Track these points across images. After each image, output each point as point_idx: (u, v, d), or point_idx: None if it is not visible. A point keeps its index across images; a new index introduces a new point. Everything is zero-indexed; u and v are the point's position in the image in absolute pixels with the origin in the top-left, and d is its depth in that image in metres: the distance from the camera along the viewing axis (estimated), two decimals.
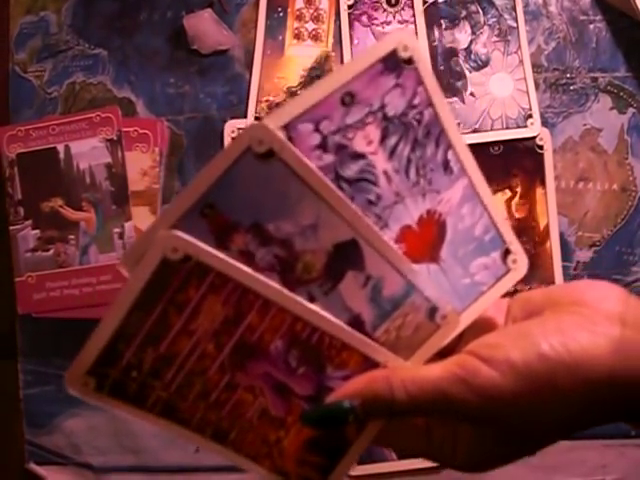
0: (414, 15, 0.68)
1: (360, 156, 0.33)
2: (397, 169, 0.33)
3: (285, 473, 0.34)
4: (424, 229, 0.34)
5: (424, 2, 0.68)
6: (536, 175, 0.67)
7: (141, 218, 0.67)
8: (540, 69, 0.68)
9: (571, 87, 0.68)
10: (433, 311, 0.34)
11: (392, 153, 0.33)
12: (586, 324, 0.31)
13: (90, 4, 0.69)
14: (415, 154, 0.34)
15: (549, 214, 0.66)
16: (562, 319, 0.31)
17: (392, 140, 0.33)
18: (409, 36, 0.33)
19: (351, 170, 0.32)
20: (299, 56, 0.68)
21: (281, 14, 0.68)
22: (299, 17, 0.69)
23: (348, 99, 0.32)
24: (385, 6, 0.68)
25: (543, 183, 0.67)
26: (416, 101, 0.33)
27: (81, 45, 0.69)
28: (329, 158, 0.32)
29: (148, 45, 0.69)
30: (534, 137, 0.67)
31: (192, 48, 0.68)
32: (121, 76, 0.68)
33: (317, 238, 0.31)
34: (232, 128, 0.67)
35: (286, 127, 0.31)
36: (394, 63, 0.32)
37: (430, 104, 0.33)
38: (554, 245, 0.66)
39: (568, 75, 0.68)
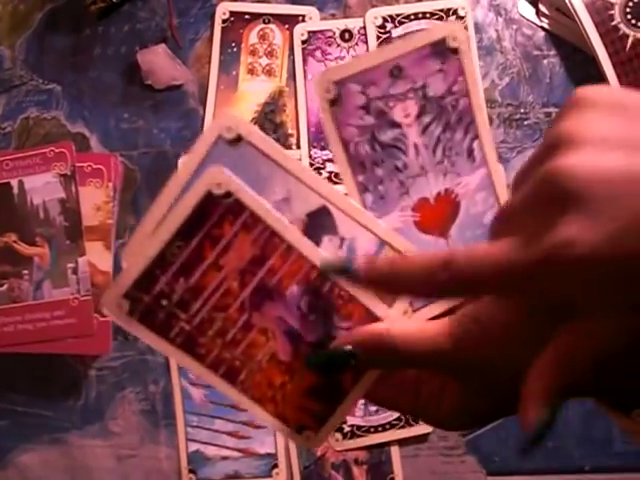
0: (368, 50, 0.69)
1: (396, 125, 0.36)
2: (426, 145, 0.37)
3: (285, 418, 0.36)
4: (440, 205, 0.37)
5: (378, 37, 0.69)
6: None
7: (95, 253, 0.68)
8: (494, 104, 0.69)
9: (525, 122, 0.69)
10: None
11: (425, 129, 0.37)
12: None
13: (44, 39, 0.71)
14: (445, 135, 0.37)
15: None
16: None
17: (427, 118, 0.37)
18: (460, 29, 0.36)
19: (386, 135, 0.36)
20: (253, 91, 0.69)
21: (235, 49, 0.70)
22: (253, 52, 0.70)
23: (396, 72, 0.36)
24: (339, 41, 0.70)
25: None
26: (455, 88, 0.37)
27: (35, 80, 0.70)
28: (369, 120, 0.36)
29: (102, 80, 0.70)
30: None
31: (146, 83, 0.69)
32: (75, 111, 0.70)
33: (291, 210, 0.35)
34: None
35: (338, 82, 0.35)
36: (442, 50, 0.36)
37: (467, 94, 0.37)
38: None
39: (522, 110, 0.69)
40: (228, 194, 0.33)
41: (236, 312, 0.35)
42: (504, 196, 0.39)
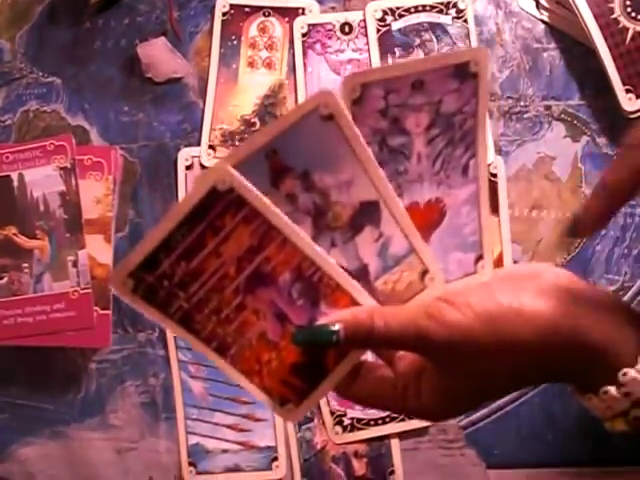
0: (368, 43, 0.70)
1: (406, 133, 0.39)
2: (428, 155, 0.40)
3: (269, 391, 0.40)
4: (427, 210, 0.41)
5: (378, 30, 0.70)
6: (489, 203, 0.69)
7: (95, 246, 0.69)
8: (494, 97, 0.70)
9: (525, 115, 0.70)
10: (424, 273, 0.41)
11: (430, 141, 0.40)
12: (537, 287, 0.37)
13: (44, 32, 0.71)
14: (447, 150, 0.40)
15: (502, 242, 0.68)
16: (518, 283, 0.38)
17: (435, 131, 0.40)
18: (486, 56, 0.40)
19: (395, 141, 0.39)
20: (253, 84, 0.70)
21: (235, 42, 0.70)
22: (253, 45, 0.70)
23: (418, 85, 0.39)
24: (339, 34, 0.70)
25: (497, 211, 0.69)
26: (466, 109, 0.40)
27: (35, 73, 0.71)
28: (384, 124, 0.39)
29: (102, 73, 0.71)
30: (488, 165, 0.68)
31: (146, 76, 0.70)
32: (75, 104, 0.71)
33: (349, 193, 0.38)
34: (186, 156, 0.69)
35: (364, 85, 0.38)
36: (463, 72, 0.39)
37: (475, 116, 0.40)
38: None
39: (522, 103, 0.70)
40: (231, 189, 0.36)
41: (231, 294, 0.38)
42: (486, 212, 0.42)
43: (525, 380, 0.39)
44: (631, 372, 0.35)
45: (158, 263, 0.37)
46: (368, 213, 0.39)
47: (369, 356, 0.41)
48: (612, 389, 0.36)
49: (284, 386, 0.39)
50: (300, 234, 0.38)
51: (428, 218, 0.41)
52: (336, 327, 0.37)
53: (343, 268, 0.39)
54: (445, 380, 0.38)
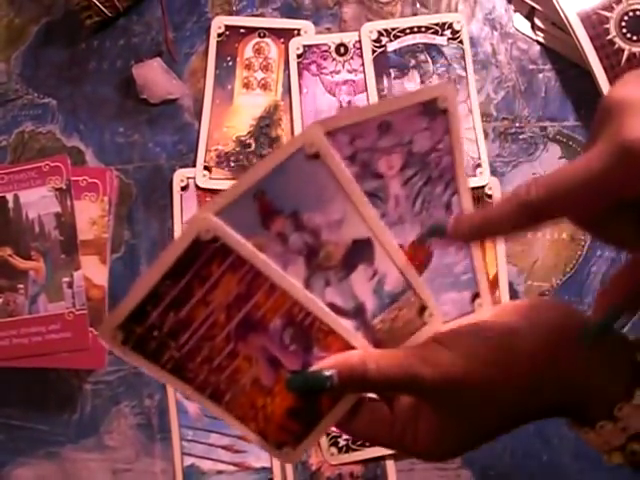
0: (363, 64, 0.71)
1: (379, 176, 0.39)
2: (407, 196, 0.40)
3: (266, 436, 0.40)
4: (413, 252, 0.40)
5: (373, 51, 0.70)
6: None
7: (90, 267, 0.69)
8: (489, 118, 0.70)
9: (520, 136, 0.70)
10: (422, 309, 0.41)
11: (406, 182, 0.40)
12: (530, 326, 0.38)
13: (39, 53, 0.72)
14: (426, 189, 0.40)
15: (498, 263, 0.69)
16: (511, 319, 0.38)
17: (410, 171, 0.39)
18: (452, 90, 0.39)
19: (369, 185, 0.39)
20: (248, 105, 0.71)
21: (230, 63, 0.71)
22: (248, 66, 0.71)
23: (385, 127, 0.39)
24: (334, 55, 0.71)
25: None
26: (440, 146, 0.40)
27: (30, 94, 0.72)
28: (354, 169, 0.39)
29: (97, 94, 0.71)
30: (483, 186, 0.69)
31: (141, 97, 0.70)
32: (70, 125, 0.71)
33: (340, 232, 0.38)
34: (181, 177, 0.70)
35: (329, 133, 0.38)
36: (432, 109, 0.39)
37: (451, 152, 0.40)
38: (503, 294, 0.69)
39: (517, 124, 0.71)
40: (215, 239, 0.36)
41: (222, 342, 0.38)
42: (477, 250, 0.42)
43: (521, 418, 0.39)
44: (627, 407, 0.36)
45: (147, 314, 0.37)
46: (361, 251, 0.39)
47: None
48: (608, 424, 0.36)
49: (281, 430, 0.40)
50: (289, 279, 0.38)
51: (415, 260, 0.40)
52: (329, 373, 0.38)
53: (339, 308, 0.39)
54: (441, 421, 0.38)
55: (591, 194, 0.32)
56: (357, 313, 0.40)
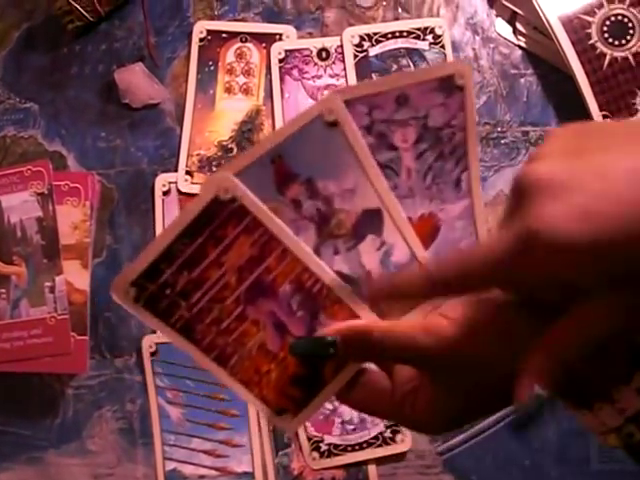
0: (345, 69, 0.71)
1: (394, 148, 0.40)
2: (418, 170, 0.40)
3: (267, 401, 0.40)
4: (420, 226, 0.41)
5: (355, 56, 0.71)
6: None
7: (72, 272, 0.69)
8: None
9: (502, 141, 0.71)
10: None
11: (419, 156, 0.40)
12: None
13: (21, 58, 0.72)
14: (437, 164, 0.40)
15: None
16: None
17: (423, 145, 0.40)
18: (469, 69, 0.40)
19: (383, 156, 0.39)
20: (230, 110, 0.71)
21: (212, 68, 0.71)
22: (230, 71, 0.71)
23: (402, 100, 0.39)
24: (316, 60, 0.71)
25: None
26: (454, 122, 0.40)
27: (12, 99, 0.72)
28: (370, 140, 0.39)
29: (79, 99, 0.72)
30: None
31: (123, 102, 0.71)
32: (52, 130, 0.71)
33: (352, 201, 0.39)
34: (163, 182, 0.70)
35: (347, 102, 0.38)
36: (449, 86, 0.39)
37: (464, 129, 0.40)
38: None
39: (499, 129, 0.71)
40: (233, 199, 0.37)
41: (232, 304, 0.38)
42: (483, 228, 0.42)
43: None
44: (625, 389, 0.36)
45: (160, 272, 0.37)
46: (371, 221, 0.39)
47: (370, 364, 0.42)
48: (606, 405, 0.36)
49: (283, 396, 0.40)
50: (301, 245, 0.38)
51: (422, 233, 0.41)
52: (333, 339, 0.38)
53: (346, 276, 0.39)
54: (441, 393, 0.38)
55: (491, 278, 0.32)
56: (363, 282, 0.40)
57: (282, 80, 0.71)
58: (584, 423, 0.38)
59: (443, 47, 0.71)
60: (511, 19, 0.72)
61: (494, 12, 0.72)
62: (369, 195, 0.39)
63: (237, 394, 0.40)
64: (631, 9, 0.69)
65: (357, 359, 0.40)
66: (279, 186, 0.38)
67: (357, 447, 0.68)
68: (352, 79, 0.71)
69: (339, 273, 0.39)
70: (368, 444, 0.68)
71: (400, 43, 0.71)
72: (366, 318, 0.40)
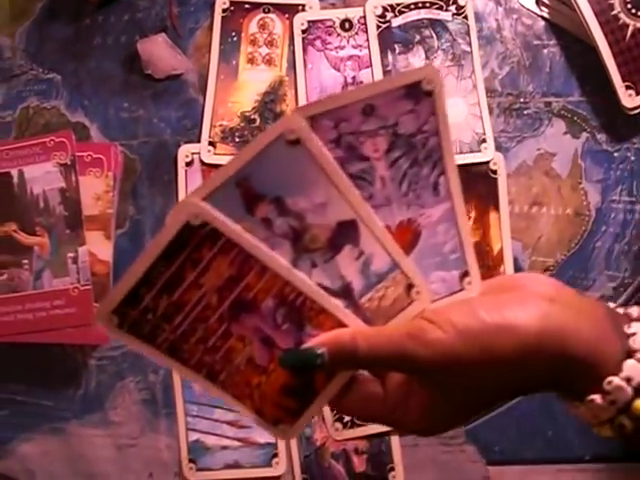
0: (368, 40, 0.71)
1: (365, 159, 0.40)
2: (393, 178, 0.40)
3: (262, 413, 0.41)
4: (400, 233, 0.41)
5: (378, 27, 0.71)
6: (489, 200, 0.70)
7: (95, 243, 0.69)
8: (494, 94, 0.71)
9: (525, 112, 0.71)
10: (410, 287, 0.41)
11: (393, 164, 0.40)
12: (520, 299, 0.38)
13: (44, 29, 0.72)
14: (412, 170, 0.40)
15: (503, 239, 0.69)
16: (500, 296, 0.39)
17: (396, 153, 0.40)
18: (436, 73, 0.39)
19: (355, 168, 0.39)
20: (253, 81, 0.71)
21: (235, 39, 0.71)
22: (253, 42, 0.71)
23: (369, 110, 0.39)
24: (339, 31, 0.71)
25: (497, 208, 0.70)
26: (426, 128, 0.40)
27: (35, 70, 0.72)
28: (339, 153, 0.39)
29: (102, 70, 0.72)
30: (488, 162, 0.70)
31: (146, 72, 0.71)
32: (75, 101, 0.71)
33: (325, 215, 0.39)
34: (186, 152, 0.70)
35: (312, 118, 0.38)
36: (416, 92, 0.39)
37: (437, 133, 0.40)
38: (508, 270, 0.69)
39: (522, 100, 0.71)
40: (205, 224, 0.37)
41: (215, 323, 0.39)
42: (466, 229, 0.42)
43: (511, 393, 0.39)
44: (616, 380, 0.36)
45: (140, 298, 0.38)
46: (346, 233, 0.39)
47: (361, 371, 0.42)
48: (598, 397, 0.36)
49: (276, 407, 0.41)
50: (278, 260, 0.38)
51: (402, 240, 0.41)
52: (320, 350, 0.38)
53: (326, 288, 0.39)
54: (431, 397, 0.39)
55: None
56: (344, 293, 0.40)
57: (305, 51, 0.71)
58: (578, 415, 0.39)
59: (466, 18, 0.71)
60: None
61: None
62: (342, 207, 0.39)
63: (231, 407, 0.40)
64: None
65: (345, 368, 0.40)
66: (248, 207, 0.38)
67: None
68: (375, 50, 0.71)
69: (319, 286, 0.39)
70: None
71: (423, 14, 0.71)
72: (352, 325, 0.40)
